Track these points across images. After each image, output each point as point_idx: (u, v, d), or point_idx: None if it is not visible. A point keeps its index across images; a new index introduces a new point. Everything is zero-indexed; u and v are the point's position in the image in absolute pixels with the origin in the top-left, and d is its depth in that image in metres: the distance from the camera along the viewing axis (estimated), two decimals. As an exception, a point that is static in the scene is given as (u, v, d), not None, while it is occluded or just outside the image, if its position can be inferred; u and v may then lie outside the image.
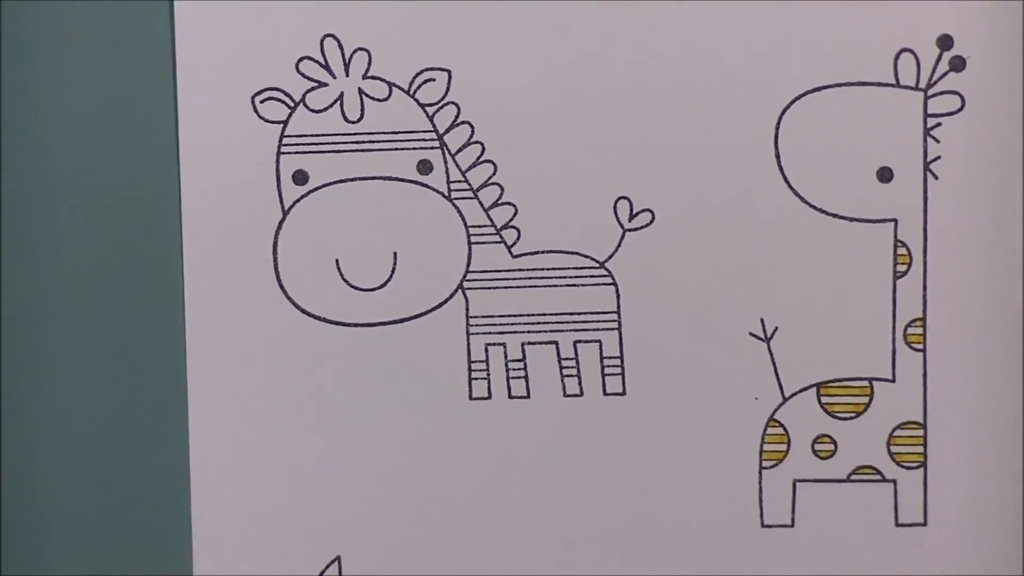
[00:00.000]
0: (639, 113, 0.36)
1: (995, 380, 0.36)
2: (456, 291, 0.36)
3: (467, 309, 0.36)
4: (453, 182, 0.36)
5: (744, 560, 0.36)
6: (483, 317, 0.36)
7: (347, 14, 0.36)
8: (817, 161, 0.36)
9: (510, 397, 0.37)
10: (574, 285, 0.36)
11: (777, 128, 0.36)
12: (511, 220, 0.36)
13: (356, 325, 0.36)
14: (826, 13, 0.35)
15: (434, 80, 0.36)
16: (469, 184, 0.36)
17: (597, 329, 0.36)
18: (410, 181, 0.36)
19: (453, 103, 0.36)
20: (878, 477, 0.36)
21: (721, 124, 0.36)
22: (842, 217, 0.36)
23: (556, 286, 0.36)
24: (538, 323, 0.36)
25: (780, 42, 0.36)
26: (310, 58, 0.36)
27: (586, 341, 0.36)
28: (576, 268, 0.36)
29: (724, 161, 0.36)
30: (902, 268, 0.36)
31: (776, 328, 0.36)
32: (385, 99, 0.36)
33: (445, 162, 0.36)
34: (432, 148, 0.36)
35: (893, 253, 0.36)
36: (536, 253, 0.36)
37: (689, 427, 0.36)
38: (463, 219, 0.36)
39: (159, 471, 0.37)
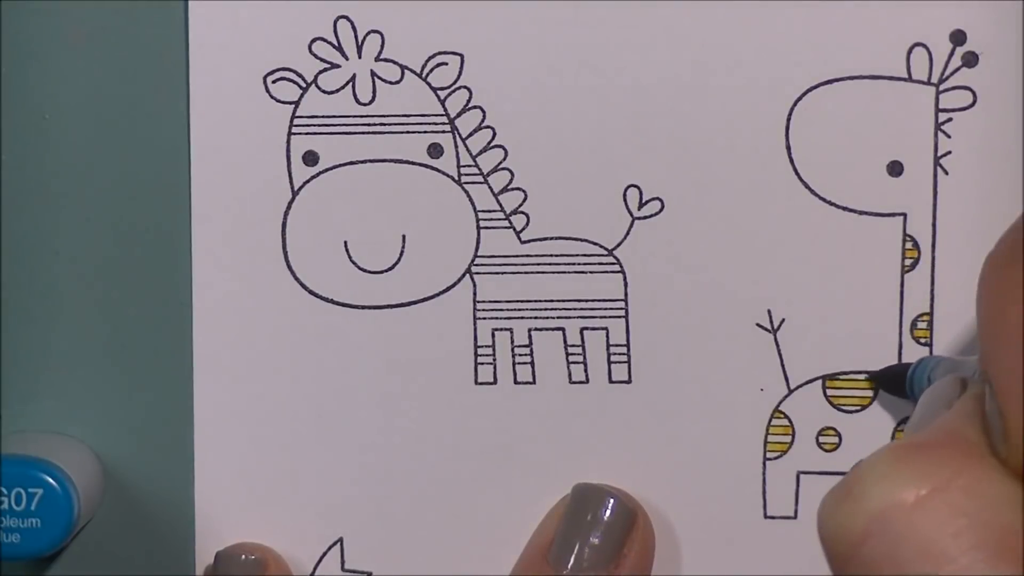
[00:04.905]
0: (651, 102, 0.36)
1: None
2: (464, 275, 0.36)
3: (475, 294, 0.36)
4: (463, 166, 0.36)
5: (746, 551, 0.36)
6: (490, 302, 0.36)
7: (361, -4, 0.36)
8: (827, 153, 0.36)
9: (516, 383, 0.37)
10: (582, 272, 0.36)
11: (788, 119, 0.36)
12: (520, 206, 0.36)
13: (363, 307, 0.36)
14: (839, 6, 0.35)
15: (447, 64, 0.36)
16: (479, 169, 0.36)
17: (604, 317, 0.36)
18: (420, 164, 0.36)
19: (465, 87, 0.36)
20: (882, 471, 0.36)
21: (733, 114, 0.36)
22: (851, 210, 0.36)
23: (564, 273, 0.36)
24: (545, 309, 0.36)
25: (793, 34, 0.36)
26: (323, 39, 0.36)
27: (593, 328, 0.36)
28: (585, 255, 0.36)
29: (735, 151, 0.36)
30: (910, 262, 0.36)
31: (783, 320, 0.36)
32: (397, 82, 0.36)
33: (456, 146, 0.36)
34: (443, 132, 0.36)
35: (901, 247, 0.36)
36: (545, 239, 0.36)
37: (694, 416, 0.36)
38: (472, 204, 0.36)
39: (162, 453, 0.37)
